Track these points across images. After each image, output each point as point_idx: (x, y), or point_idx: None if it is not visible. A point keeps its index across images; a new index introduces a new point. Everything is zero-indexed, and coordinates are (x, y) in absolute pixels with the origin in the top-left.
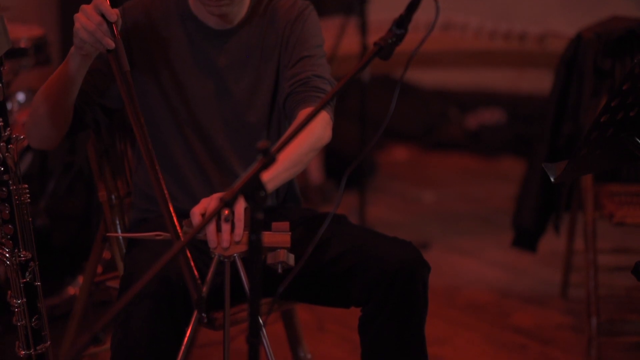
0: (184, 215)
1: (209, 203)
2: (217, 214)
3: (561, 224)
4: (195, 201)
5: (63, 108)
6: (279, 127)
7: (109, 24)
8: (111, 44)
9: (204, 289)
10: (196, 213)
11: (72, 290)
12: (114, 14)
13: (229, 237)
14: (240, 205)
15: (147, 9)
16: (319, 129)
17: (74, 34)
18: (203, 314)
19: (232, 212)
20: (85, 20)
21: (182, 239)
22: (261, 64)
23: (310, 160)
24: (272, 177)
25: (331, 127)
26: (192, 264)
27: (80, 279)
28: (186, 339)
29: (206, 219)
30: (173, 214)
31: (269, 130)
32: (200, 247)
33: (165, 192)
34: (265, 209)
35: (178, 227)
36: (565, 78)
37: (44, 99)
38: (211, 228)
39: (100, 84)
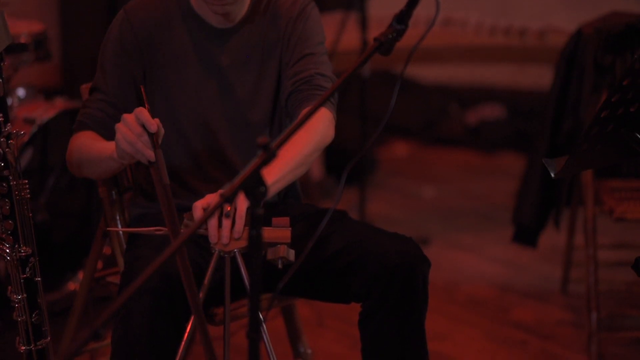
0: (185, 211)
1: (213, 199)
2: (218, 209)
3: (561, 219)
4: (197, 198)
5: (106, 176)
6: (280, 125)
7: (150, 135)
8: (152, 156)
9: (201, 294)
10: (198, 207)
11: (72, 285)
12: (154, 124)
13: (228, 233)
14: (243, 203)
15: (149, 8)
16: (322, 128)
17: (115, 144)
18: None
19: (235, 209)
20: (126, 131)
21: (181, 233)
22: (263, 62)
23: (314, 160)
24: (279, 178)
25: (334, 126)
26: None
27: (80, 275)
28: (186, 334)
29: (207, 214)
30: (174, 211)
31: (272, 128)
32: (200, 243)
33: (168, 190)
34: (266, 204)
35: (177, 223)
36: (566, 74)
37: (86, 166)
38: (212, 223)
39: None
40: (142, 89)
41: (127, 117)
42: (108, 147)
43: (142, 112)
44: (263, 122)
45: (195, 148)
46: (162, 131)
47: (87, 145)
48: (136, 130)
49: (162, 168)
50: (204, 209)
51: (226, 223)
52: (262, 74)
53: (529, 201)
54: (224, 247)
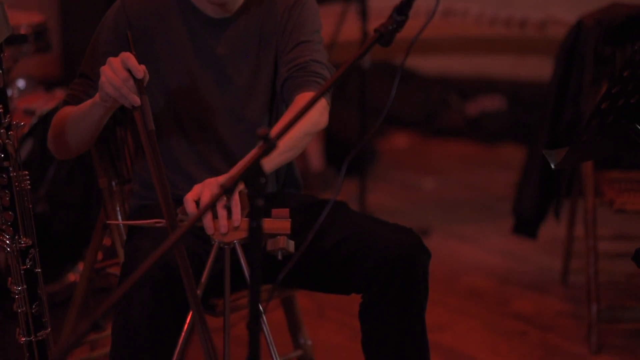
0: (182, 202)
1: (202, 189)
2: (215, 201)
3: (561, 210)
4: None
5: (86, 143)
6: (279, 114)
7: (136, 80)
8: (137, 101)
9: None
10: (189, 200)
11: (72, 277)
12: (141, 70)
13: (226, 223)
14: (236, 191)
15: None
16: (315, 114)
17: (99, 87)
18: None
19: (228, 198)
20: (111, 74)
21: (178, 225)
22: (260, 51)
23: (306, 145)
24: (267, 160)
25: (328, 112)
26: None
27: (80, 266)
28: (186, 325)
29: (205, 208)
30: (170, 203)
31: (270, 117)
32: (200, 235)
33: (165, 181)
34: (265, 195)
35: (174, 212)
36: (566, 65)
37: (69, 130)
38: (207, 215)
39: None
40: (129, 35)
41: (114, 61)
42: (90, 101)
43: (130, 58)
44: (261, 111)
45: (194, 138)
46: (147, 77)
47: (70, 111)
48: (122, 74)
49: (147, 114)
50: (196, 202)
51: (222, 213)
52: (259, 63)
53: (529, 192)
54: (223, 238)
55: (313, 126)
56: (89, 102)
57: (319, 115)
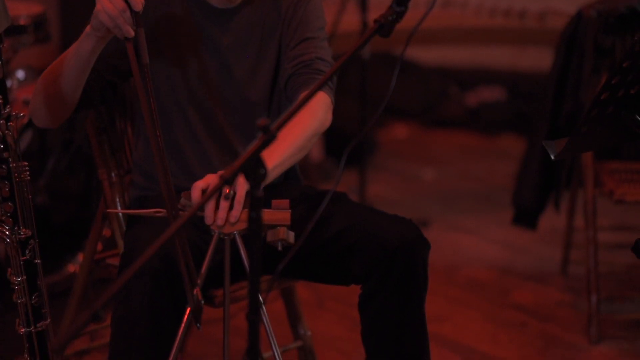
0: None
1: (213, 179)
2: (217, 191)
3: (561, 201)
4: (195, 179)
5: (73, 89)
6: (279, 107)
7: (133, 12)
8: (131, 32)
9: (198, 286)
10: (198, 187)
11: (72, 267)
12: (139, 3)
13: (224, 215)
14: (242, 188)
15: None
16: (321, 113)
17: (93, 15)
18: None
19: (234, 192)
20: (108, 4)
21: (179, 215)
22: (262, 43)
23: (313, 145)
24: (279, 162)
25: (332, 111)
26: (192, 265)
27: (80, 257)
28: (186, 316)
29: (206, 196)
30: (172, 192)
31: (270, 109)
32: (200, 226)
33: (167, 171)
34: (265, 186)
35: (175, 205)
36: (566, 56)
37: (53, 79)
38: (210, 204)
39: (116, 62)
40: None
41: None
42: (77, 45)
43: None
44: (261, 102)
45: (195, 128)
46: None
47: (53, 63)
48: (119, 5)
49: (142, 47)
50: (203, 190)
51: (224, 205)
52: (262, 55)
53: (528, 183)
54: (223, 229)
55: (320, 126)
56: (74, 44)
57: (324, 114)
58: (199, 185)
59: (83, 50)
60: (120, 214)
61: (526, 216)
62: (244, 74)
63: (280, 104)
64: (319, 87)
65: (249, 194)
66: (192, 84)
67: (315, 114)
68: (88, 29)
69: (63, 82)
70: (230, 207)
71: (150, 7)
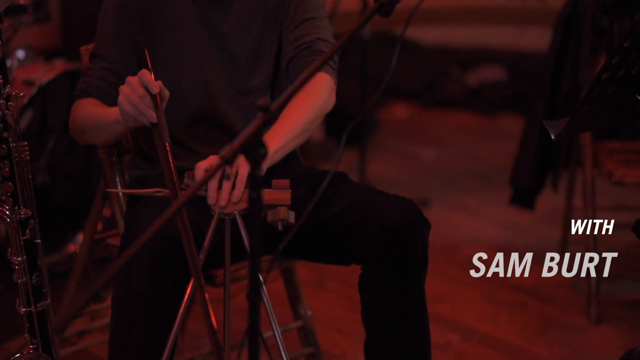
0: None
1: (216, 160)
2: (218, 170)
3: (559, 181)
4: (199, 160)
5: (110, 142)
6: (281, 90)
7: (152, 96)
8: (154, 117)
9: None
10: (201, 167)
11: (72, 247)
12: (156, 86)
13: (227, 196)
14: (244, 168)
15: None
16: (324, 95)
17: (118, 106)
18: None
19: (237, 173)
20: (129, 92)
21: (181, 194)
22: (264, 27)
23: (316, 127)
24: (283, 145)
25: (335, 92)
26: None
27: (80, 237)
28: (186, 296)
29: (207, 176)
30: (174, 172)
31: (273, 92)
32: (201, 205)
33: (169, 151)
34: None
35: (177, 185)
36: (564, 36)
37: (89, 132)
38: (212, 184)
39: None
40: (146, 53)
41: (131, 79)
42: (112, 112)
43: (145, 74)
44: (264, 87)
45: (197, 113)
46: (167, 93)
47: (91, 112)
48: (139, 91)
49: (163, 129)
50: (206, 170)
51: (226, 185)
52: (263, 39)
53: (526, 163)
54: (223, 209)
55: (324, 107)
56: (110, 114)
57: (327, 96)
58: (202, 165)
59: (114, 132)
60: (121, 194)
61: (524, 196)
62: (246, 58)
63: (282, 88)
64: (319, 68)
65: (250, 175)
66: (194, 69)
67: (318, 95)
68: (119, 118)
69: (94, 140)
70: (233, 187)
71: None
